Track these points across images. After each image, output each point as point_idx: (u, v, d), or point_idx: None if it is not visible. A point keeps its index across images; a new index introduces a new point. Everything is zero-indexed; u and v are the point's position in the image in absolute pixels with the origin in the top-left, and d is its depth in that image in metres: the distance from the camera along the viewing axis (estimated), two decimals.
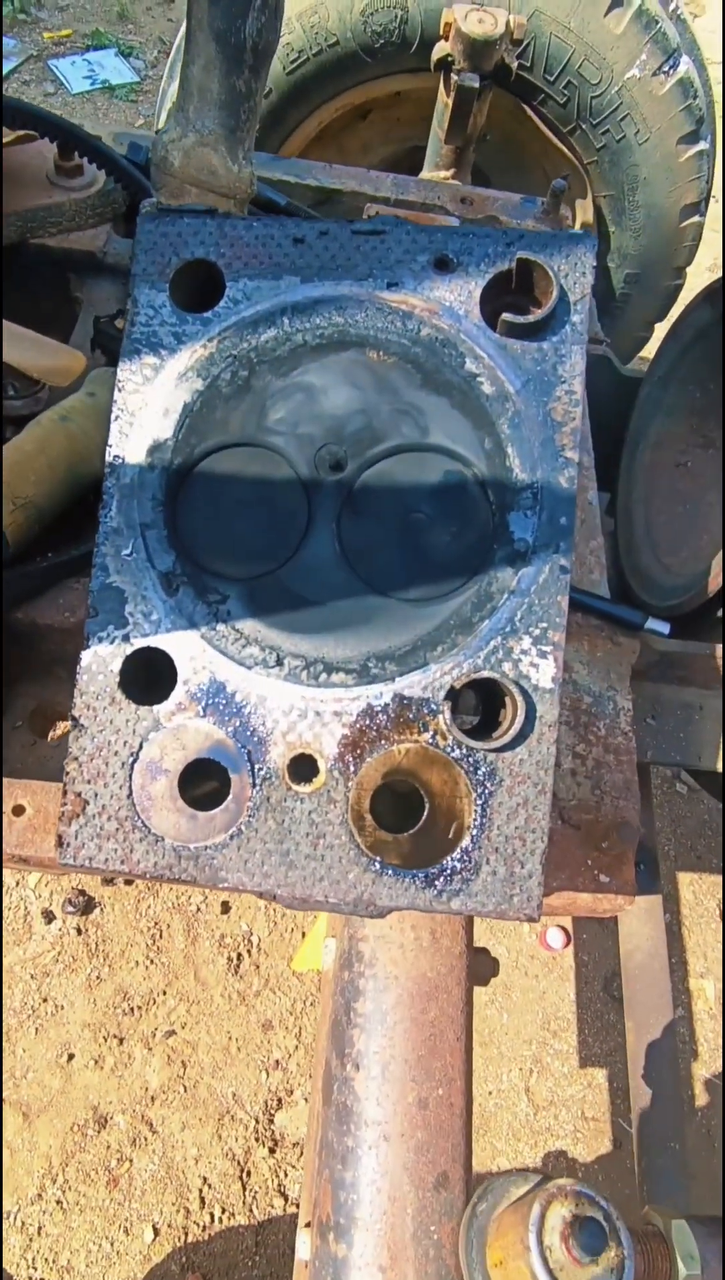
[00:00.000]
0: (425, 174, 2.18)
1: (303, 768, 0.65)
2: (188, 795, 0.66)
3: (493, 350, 0.66)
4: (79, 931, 2.33)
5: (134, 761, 0.65)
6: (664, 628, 1.12)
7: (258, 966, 2.36)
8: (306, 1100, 2.19)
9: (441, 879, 0.62)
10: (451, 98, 1.95)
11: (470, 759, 0.63)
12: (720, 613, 1.26)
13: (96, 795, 0.66)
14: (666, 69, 2.12)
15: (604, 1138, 2.34)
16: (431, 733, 0.63)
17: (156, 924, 2.36)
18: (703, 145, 2.25)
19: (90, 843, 0.66)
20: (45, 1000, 2.22)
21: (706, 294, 1.34)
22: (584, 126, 2.22)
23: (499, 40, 1.87)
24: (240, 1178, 2.09)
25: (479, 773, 0.63)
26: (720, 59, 4.99)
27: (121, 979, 2.29)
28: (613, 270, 2.50)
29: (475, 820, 0.62)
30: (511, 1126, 2.32)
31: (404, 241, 0.67)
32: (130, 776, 0.65)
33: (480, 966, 1.33)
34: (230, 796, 0.65)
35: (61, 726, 1.28)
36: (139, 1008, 2.25)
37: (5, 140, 1.38)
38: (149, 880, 0.65)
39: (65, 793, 0.66)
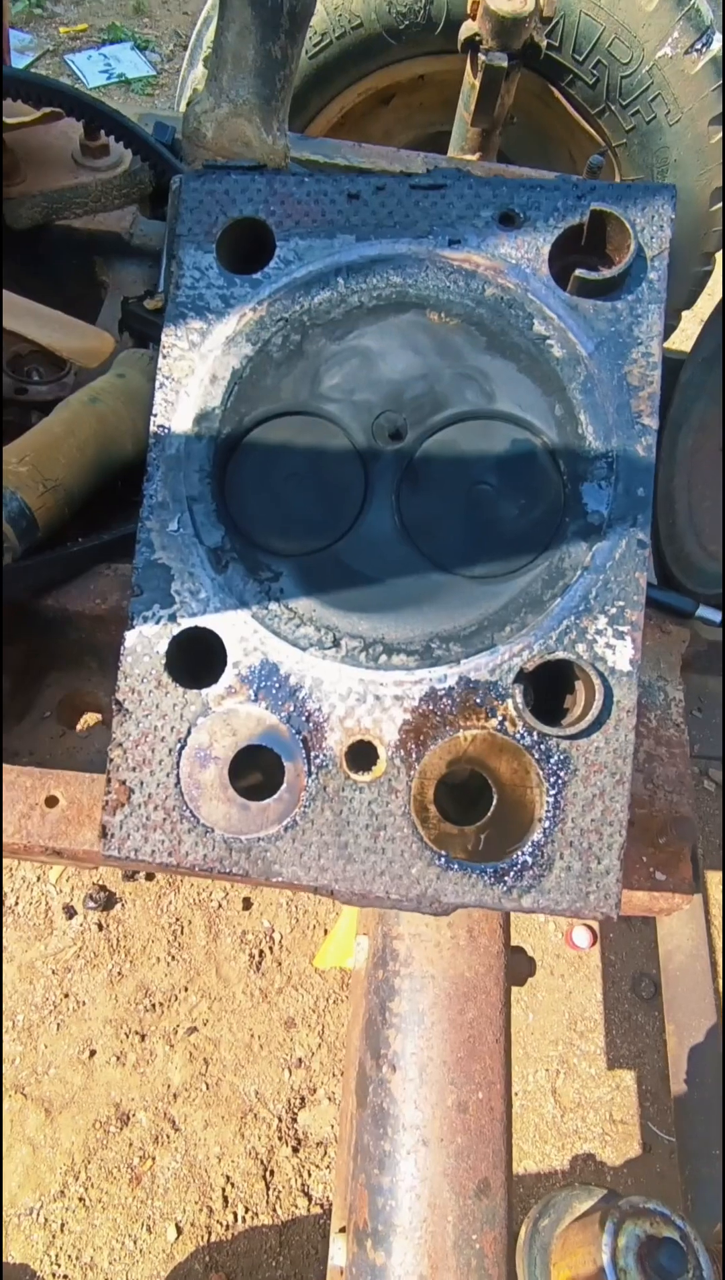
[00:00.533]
0: (451, 156, 2.14)
1: (362, 755, 0.61)
2: (238, 784, 0.62)
3: (563, 310, 0.62)
4: (100, 927, 2.30)
5: (181, 748, 0.62)
6: (716, 616, 1.08)
7: (280, 963, 2.33)
8: (330, 1099, 2.16)
9: (511, 874, 0.58)
10: (478, 78, 1.91)
11: (542, 746, 0.59)
12: None
13: (142, 784, 0.62)
14: (699, 47, 2.06)
15: (633, 1141, 2.29)
16: (500, 718, 0.59)
17: (178, 920, 2.33)
18: None
19: (136, 833, 0.62)
20: (67, 996, 2.20)
21: None
22: (613, 108, 2.17)
23: (528, 18, 1.82)
24: (264, 1177, 2.06)
25: (551, 761, 0.59)
26: None
27: (143, 975, 2.26)
28: None
29: (548, 812, 0.58)
30: (538, 1129, 2.28)
31: (466, 196, 0.63)
32: (178, 764, 0.62)
33: (518, 966, 1.29)
34: (284, 785, 0.61)
35: (91, 717, 1.25)
36: (161, 1004, 2.23)
37: (30, 119, 1.34)
38: (198, 875, 0.62)
39: (109, 780, 0.63)
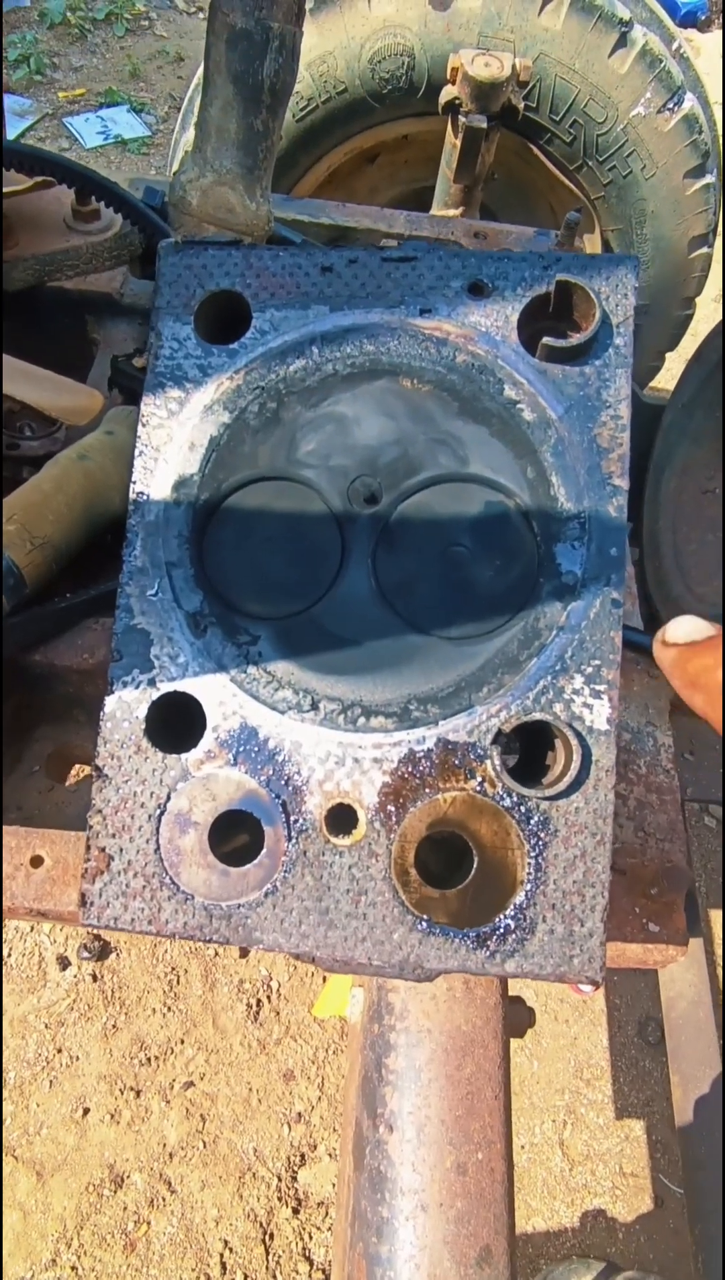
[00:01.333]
0: (434, 212, 2.21)
1: (341, 819, 0.61)
2: (225, 845, 0.62)
3: (532, 376, 0.63)
4: (95, 978, 2.26)
5: (161, 814, 0.61)
6: None
7: (278, 1013, 2.28)
8: (330, 1155, 2.09)
9: (494, 939, 0.58)
10: (459, 139, 1.98)
11: (522, 808, 0.59)
12: None
13: (122, 850, 0.62)
14: (671, 106, 2.15)
15: (645, 1195, 2.22)
16: (479, 780, 0.59)
17: (173, 969, 2.29)
18: (709, 179, 2.27)
19: (115, 901, 0.62)
20: (60, 1051, 2.15)
21: None
22: (590, 163, 2.25)
23: (505, 83, 1.90)
24: (263, 1240, 1.98)
25: (532, 822, 0.58)
26: (720, 99, 5.08)
27: (138, 1027, 2.22)
28: None
29: (529, 874, 0.58)
30: (546, 1183, 2.21)
31: (437, 267, 0.65)
32: (157, 830, 0.61)
33: (516, 1017, 1.27)
34: (264, 850, 0.61)
35: (80, 770, 1.25)
36: (156, 1058, 2.18)
37: (24, 187, 1.39)
38: (178, 940, 0.61)
39: (89, 847, 0.63)
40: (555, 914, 0.57)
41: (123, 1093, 2.09)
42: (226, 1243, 1.96)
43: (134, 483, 0.64)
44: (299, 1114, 2.14)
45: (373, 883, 0.59)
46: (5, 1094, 2.04)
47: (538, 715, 0.58)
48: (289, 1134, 2.11)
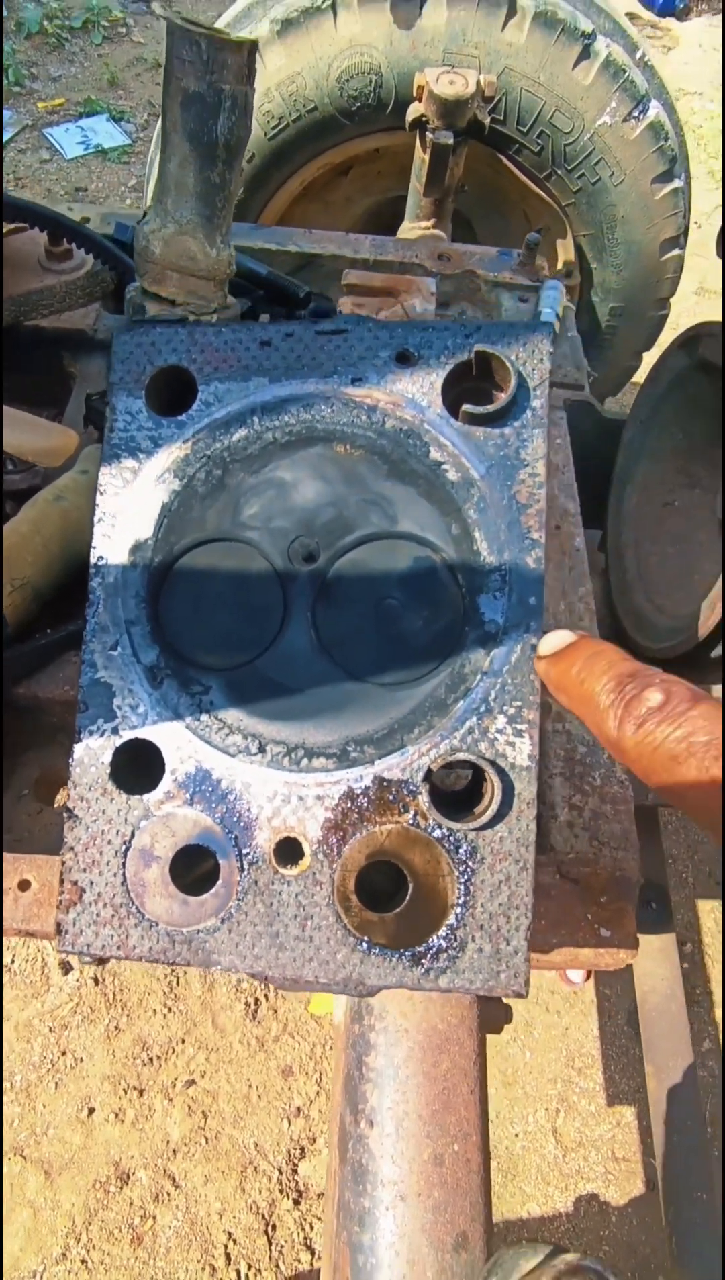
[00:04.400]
0: (406, 224, 2.25)
1: (288, 851, 0.67)
2: (183, 879, 0.68)
3: (456, 438, 0.68)
4: (96, 981, 2.33)
5: (127, 849, 0.67)
6: None
7: (276, 1011, 2.35)
8: (328, 1149, 2.17)
9: (428, 957, 0.64)
10: (428, 154, 2.02)
11: (452, 838, 0.64)
12: (716, 652, 1.27)
13: (92, 883, 0.68)
14: (637, 114, 2.19)
15: (637, 1179, 2.29)
16: (412, 813, 0.65)
17: (173, 971, 2.36)
18: (677, 183, 2.31)
19: (88, 929, 0.68)
20: (64, 1053, 2.22)
21: (681, 342, 1.37)
22: (559, 172, 2.29)
23: (471, 99, 1.94)
24: (265, 1232, 2.06)
25: (460, 851, 0.64)
26: (699, 90, 5.09)
27: (140, 1028, 2.29)
28: (598, 304, 2.55)
29: (459, 898, 0.64)
30: (540, 1170, 2.29)
31: (366, 339, 0.70)
32: (124, 864, 0.67)
33: (492, 1014, 1.33)
34: (220, 881, 0.67)
35: (66, 792, 1.31)
36: (158, 1057, 2.25)
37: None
38: (146, 963, 0.67)
39: (62, 881, 0.69)
40: (483, 934, 0.63)
41: (126, 1092, 2.17)
42: (230, 1234, 2.04)
43: (94, 548, 0.70)
44: (298, 1108, 2.22)
45: (318, 908, 0.65)
46: (13, 1097, 2.11)
47: (463, 754, 0.64)
48: (289, 1128, 2.19)
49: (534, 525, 0.67)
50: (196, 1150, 2.12)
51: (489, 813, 0.63)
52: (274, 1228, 2.06)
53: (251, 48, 1.06)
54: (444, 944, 0.63)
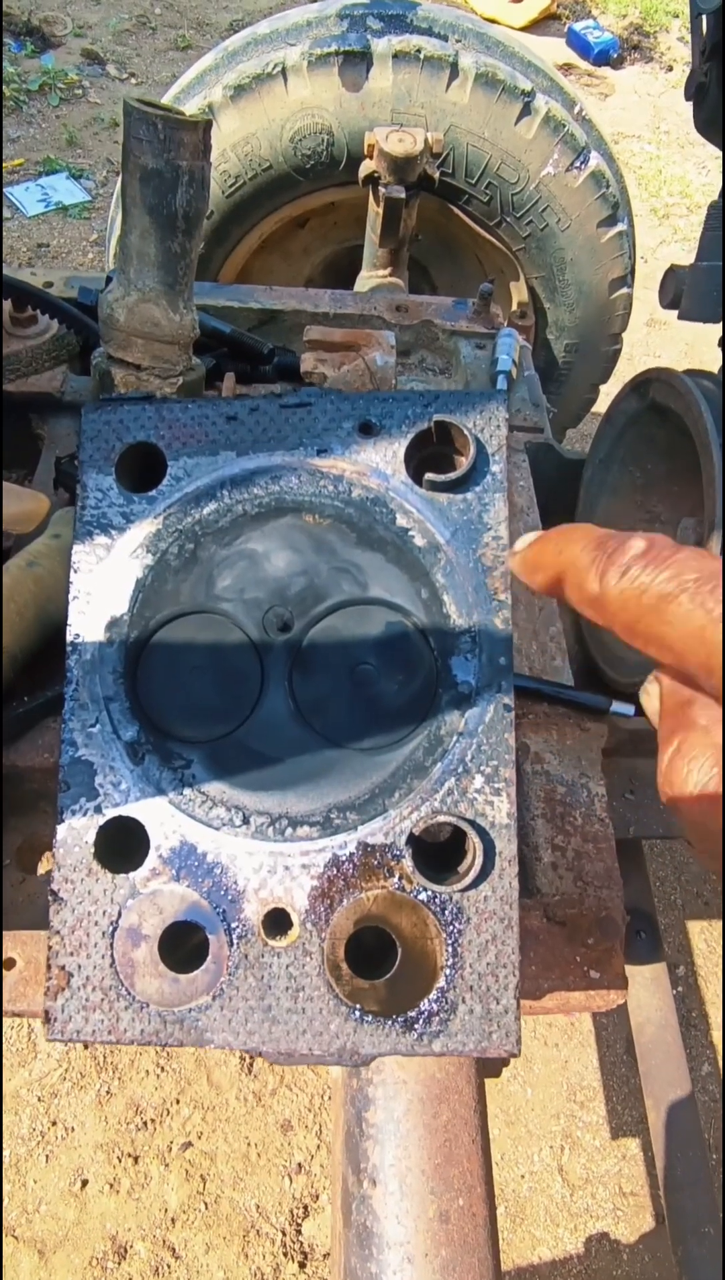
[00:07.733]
0: (364, 273, 2.32)
1: (277, 922, 0.67)
2: (172, 957, 0.68)
3: (421, 504, 0.70)
4: (85, 1045, 2.27)
5: (114, 930, 0.67)
6: (628, 710, 1.16)
7: (271, 1064, 2.30)
8: (331, 1209, 2.11)
9: (420, 1022, 0.64)
10: (381, 208, 2.09)
11: (437, 900, 0.65)
12: None
13: (80, 967, 0.67)
14: (578, 165, 2.28)
15: (646, 1213, 2.26)
16: (397, 877, 0.66)
17: None
18: (621, 227, 2.41)
19: (77, 1015, 0.67)
20: (54, 1123, 2.15)
21: (633, 385, 1.42)
22: (508, 219, 2.38)
23: (420, 155, 2.01)
24: None
25: (446, 912, 0.65)
26: (627, 136, 5.32)
27: (132, 1091, 2.23)
28: (553, 342, 2.63)
29: (448, 960, 0.64)
30: (548, 1211, 2.24)
31: (330, 410, 0.72)
32: (112, 945, 0.67)
33: (490, 1059, 1.31)
34: (210, 957, 0.66)
35: (49, 858, 1.29)
36: (152, 1120, 2.19)
37: None
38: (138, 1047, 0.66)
39: (49, 966, 0.68)
40: (473, 995, 0.63)
41: (121, 1160, 2.10)
42: None
43: (70, 625, 0.70)
44: (299, 1164, 2.16)
45: (309, 979, 0.64)
46: (3, 1173, 2.04)
47: (444, 816, 0.65)
48: (290, 1186, 2.13)
49: (500, 587, 0.69)
50: (196, 1217, 2.05)
51: (473, 873, 0.64)
52: None
53: (206, 126, 1.11)
54: (435, 1007, 0.64)
